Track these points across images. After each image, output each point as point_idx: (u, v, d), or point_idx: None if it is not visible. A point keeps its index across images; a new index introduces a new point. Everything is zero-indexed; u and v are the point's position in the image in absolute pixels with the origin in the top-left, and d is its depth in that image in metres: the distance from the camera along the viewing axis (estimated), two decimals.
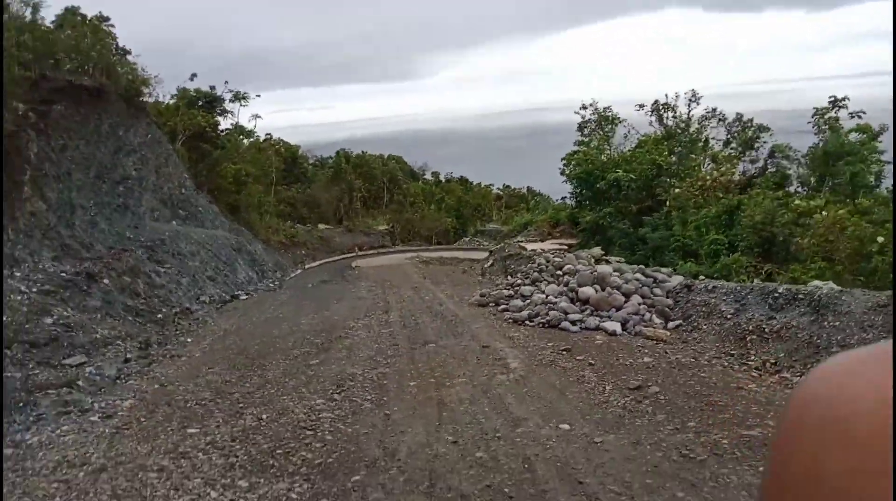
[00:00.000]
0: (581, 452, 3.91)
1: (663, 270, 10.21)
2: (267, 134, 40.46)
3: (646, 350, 6.71)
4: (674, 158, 21.01)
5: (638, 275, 9.11)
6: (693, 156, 21.37)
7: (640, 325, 7.75)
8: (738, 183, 18.48)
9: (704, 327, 7.47)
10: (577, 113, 25.46)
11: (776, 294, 6.94)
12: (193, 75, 28.48)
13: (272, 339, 9.49)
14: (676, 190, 16.18)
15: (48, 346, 10.17)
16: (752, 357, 6.08)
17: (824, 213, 10.27)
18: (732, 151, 24.61)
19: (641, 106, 25.58)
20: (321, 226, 36.95)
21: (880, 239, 9.95)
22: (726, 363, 5.94)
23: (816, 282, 7.63)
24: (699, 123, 25.63)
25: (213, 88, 32.08)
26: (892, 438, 0.37)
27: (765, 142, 23.45)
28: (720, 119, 25.34)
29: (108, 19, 23.79)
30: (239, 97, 33.43)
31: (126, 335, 12.00)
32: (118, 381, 8.23)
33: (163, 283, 16.52)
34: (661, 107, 25.60)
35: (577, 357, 6.41)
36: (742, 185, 18.20)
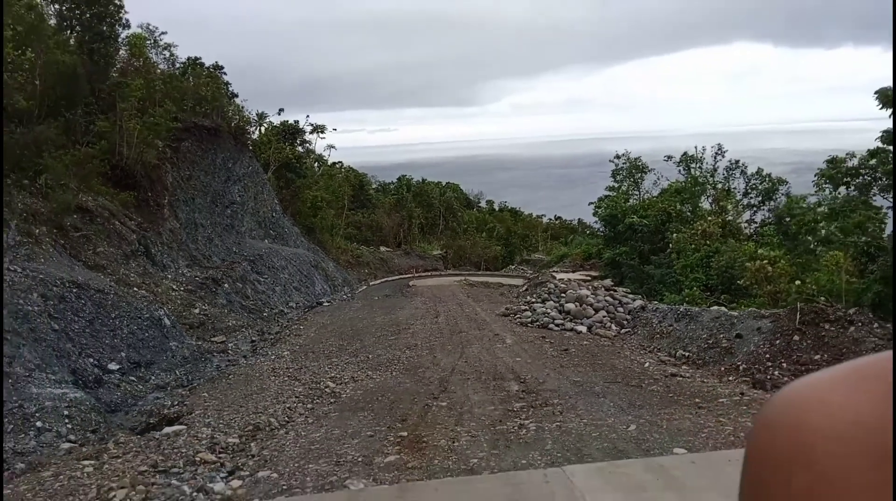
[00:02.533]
0: (522, 365, 8.68)
1: (631, 295, 14.88)
2: (338, 162, 46.86)
3: (591, 341, 11.44)
4: (687, 207, 25.34)
5: (608, 298, 13.84)
6: (700, 206, 25.61)
7: (600, 328, 12.45)
8: (733, 231, 22.64)
9: (639, 331, 12.12)
10: (612, 161, 30.15)
11: (679, 312, 11.56)
12: (281, 110, 34.90)
13: (359, 328, 14.68)
14: (675, 235, 20.58)
15: (199, 328, 15.90)
16: (650, 346, 10.69)
17: (755, 262, 14.55)
18: (750, 200, 28.65)
19: (670, 157, 30.01)
20: (382, 248, 42.69)
21: (797, 283, 14.19)
22: (630, 348, 10.58)
23: (716, 307, 12.14)
24: (724, 174, 29.85)
25: (296, 121, 38.56)
26: (893, 445, 0.37)
27: (783, 194, 27.44)
28: (742, 172, 29.47)
29: (222, 68, 30.58)
30: (317, 129, 40.20)
31: (247, 325, 17.69)
32: (256, 352, 13.54)
33: (263, 290, 22.52)
34: (688, 158, 29.99)
35: (548, 341, 11.20)
36: (735, 232, 22.36)
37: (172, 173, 22.76)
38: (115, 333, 11.70)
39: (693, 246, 21.17)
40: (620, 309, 13.31)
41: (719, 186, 29.28)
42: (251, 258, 24.02)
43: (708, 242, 19.50)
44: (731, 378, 6.87)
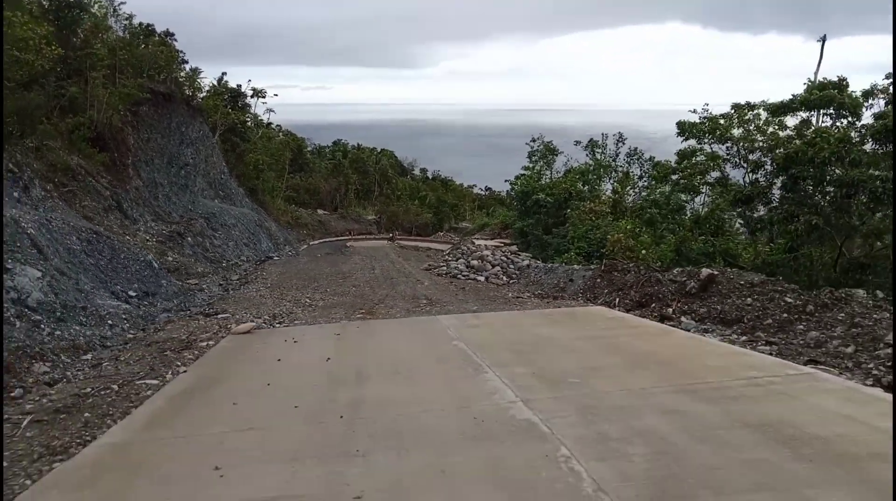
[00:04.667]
0: (431, 294, 13.51)
1: (524, 256, 20.11)
2: (277, 125, 49.97)
3: (484, 285, 16.47)
4: (588, 187, 30.94)
5: (503, 257, 18.96)
6: (601, 187, 31.29)
7: (494, 279, 17.51)
8: (623, 210, 28.35)
9: (521, 281, 17.26)
10: (528, 144, 35.40)
11: (548, 268, 16.75)
12: (224, 74, 37.74)
13: (313, 276, 19.14)
14: (571, 212, 26.01)
15: (175, 272, 19.95)
16: (525, 289, 15.80)
17: (615, 235, 19.97)
18: (644, 183, 34.60)
19: (578, 142, 35.50)
20: (320, 211, 46.65)
21: (643, 252, 19.73)
22: (509, 288, 15.66)
23: (576, 266, 17.42)
24: (625, 159, 35.66)
25: (238, 86, 41.59)
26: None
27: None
28: (638, 158, 35.34)
29: (173, 34, 33.51)
30: (257, 94, 43.48)
31: (212, 272, 21.75)
32: (230, 291, 17.81)
33: (218, 244, 26.61)
34: (593, 144, 35.59)
35: (453, 285, 16.14)
36: (624, 211, 28.08)
37: (133, 136, 26.29)
38: (126, 269, 15.76)
39: (582, 221, 26.69)
40: (511, 266, 18.43)
41: (621, 170, 35.15)
42: (206, 216, 27.94)
43: (594, 218, 24.98)
44: (548, 300, 11.91)
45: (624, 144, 35.50)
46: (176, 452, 3.92)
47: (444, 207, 52.54)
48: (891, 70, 12.07)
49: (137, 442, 4.12)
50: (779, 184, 12.32)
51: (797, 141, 11.65)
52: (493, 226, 37.15)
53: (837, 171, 10.97)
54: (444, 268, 18.99)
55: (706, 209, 17.49)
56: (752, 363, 5.49)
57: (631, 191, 33.64)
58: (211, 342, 7.53)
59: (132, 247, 17.40)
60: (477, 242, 29.15)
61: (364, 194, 54.39)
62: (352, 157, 56.14)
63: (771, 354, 6.10)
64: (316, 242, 38.42)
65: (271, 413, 4.57)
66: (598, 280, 12.91)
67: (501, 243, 30.60)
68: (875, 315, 6.58)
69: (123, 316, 12.35)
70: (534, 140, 35.35)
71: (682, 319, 8.36)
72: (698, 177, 18.01)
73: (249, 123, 41.48)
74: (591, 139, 35.28)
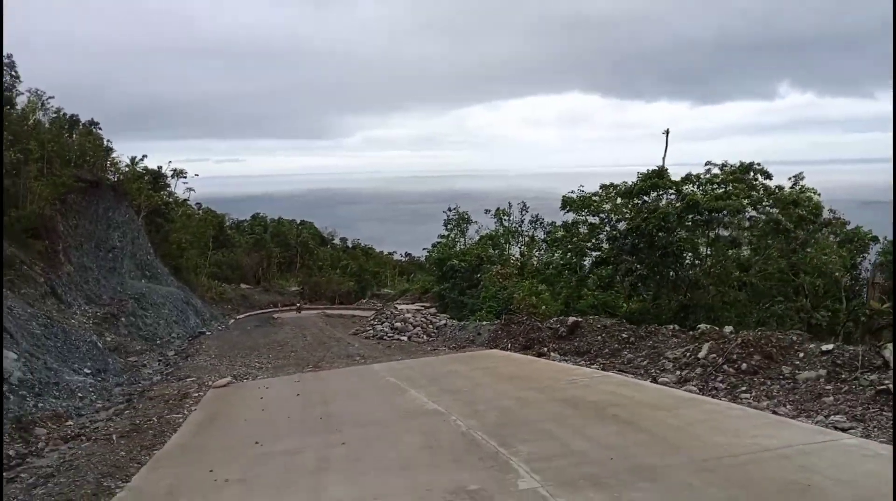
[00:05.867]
0: (362, 353, 16.19)
1: (441, 315, 23.20)
2: (197, 202, 51.62)
3: (408, 344, 19.33)
4: (497, 251, 34.82)
5: (423, 318, 21.95)
6: (509, 251, 35.29)
7: (416, 337, 20.40)
8: (529, 271, 32.26)
9: (439, 338, 20.26)
10: (444, 212, 39.26)
11: (461, 326, 19.88)
12: (144, 156, 39.61)
13: (250, 346, 21.34)
14: (483, 275, 29.56)
15: (116, 351, 21.64)
16: (442, 344, 18.77)
17: (520, 294, 23.48)
18: (545, 246, 38.91)
19: (488, 211, 39.69)
20: (243, 285, 48.18)
21: (543, 307, 23.29)
22: (429, 345, 18.59)
23: (485, 322, 20.65)
24: (530, 225, 39.99)
25: (159, 167, 43.40)
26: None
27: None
28: (541, 223, 39.78)
29: (97, 124, 35.51)
30: (178, 173, 45.51)
31: (149, 350, 23.47)
32: (170, 366, 19.76)
33: (150, 323, 28.26)
34: (501, 212, 39.83)
35: (380, 345, 18.90)
36: (530, 272, 31.99)
37: (63, 223, 27.99)
38: (78, 350, 17.55)
39: (492, 283, 30.27)
40: (431, 326, 21.43)
41: (527, 234, 39.47)
42: (135, 297, 29.54)
43: (502, 280, 28.60)
44: (459, 350, 14.96)
45: (528, 211, 40.04)
46: (222, 440, 6.58)
47: (366, 274, 55.19)
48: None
49: (193, 441, 6.74)
50: (627, 247, 16.21)
51: (636, 217, 15.65)
52: (413, 291, 40.23)
53: (661, 234, 14.98)
54: (371, 331, 21.70)
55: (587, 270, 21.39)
56: (578, 373, 8.74)
57: (536, 253, 37.86)
58: (200, 393, 9.99)
59: (79, 330, 19.25)
60: (399, 306, 32.04)
61: (286, 265, 56.26)
62: (272, 230, 58.20)
63: (598, 369, 9.38)
64: (241, 316, 40.04)
65: (273, 421, 7.28)
66: (500, 332, 16.15)
67: (422, 306, 33.65)
68: (667, 341, 10.05)
69: (90, 389, 14.34)
70: (449, 209, 39.20)
71: (552, 354, 11.61)
72: (582, 243, 21.94)
73: (172, 204, 43.20)
74: (499, 208, 39.58)
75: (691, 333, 9.83)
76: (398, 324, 21.37)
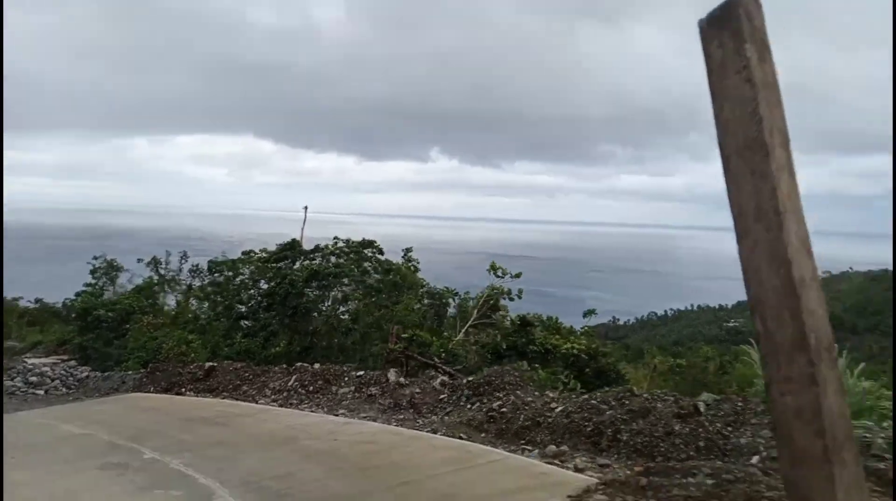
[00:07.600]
0: None
1: (83, 368, 23.75)
2: None
3: (45, 397, 19.79)
4: (150, 301, 35.44)
5: (62, 371, 22.37)
6: (160, 300, 36.19)
7: (54, 391, 20.81)
8: (186, 320, 33.79)
9: (82, 389, 21.05)
10: (90, 263, 37.97)
11: (106, 375, 21.13)
12: None
13: None
14: (131, 325, 30.22)
15: None
16: (85, 394, 19.81)
17: (169, 342, 25.48)
18: (208, 295, 40.62)
19: (141, 259, 39.74)
20: None
21: (193, 355, 25.58)
22: (72, 397, 19.50)
23: (131, 372, 22.18)
24: (189, 273, 41.09)
25: None
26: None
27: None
28: (200, 272, 41.35)
29: None
30: None
31: None
32: None
33: None
34: (156, 261, 40.26)
35: (13, 400, 19.03)
36: (188, 321, 33.59)
37: None
38: None
39: (142, 333, 31.11)
40: (71, 378, 21.98)
41: (185, 283, 40.56)
42: None
43: (152, 330, 29.78)
44: (103, 397, 16.88)
45: (188, 260, 41.30)
46: None
47: None
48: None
49: None
50: (264, 305, 20.32)
51: (272, 280, 19.94)
52: (47, 344, 37.57)
53: (291, 295, 19.58)
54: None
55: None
56: (203, 403, 12.17)
57: (194, 302, 39.33)
58: None
59: None
60: (30, 361, 30.27)
61: None
62: None
63: (221, 399, 12.94)
64: None
65: None
66: (145, 379, 18.39)
67: (60, 359, 32.22)
68: (274, 377, 14.16)
69: None
70: (96, 258, 38.06)
71: (188, 393, 14.72)
72: (231, 298, 25.20)
73: None
74: (154, 257, 39.97)
75: (289, 369, 14.10)
76: (34, 378, 21.37)
